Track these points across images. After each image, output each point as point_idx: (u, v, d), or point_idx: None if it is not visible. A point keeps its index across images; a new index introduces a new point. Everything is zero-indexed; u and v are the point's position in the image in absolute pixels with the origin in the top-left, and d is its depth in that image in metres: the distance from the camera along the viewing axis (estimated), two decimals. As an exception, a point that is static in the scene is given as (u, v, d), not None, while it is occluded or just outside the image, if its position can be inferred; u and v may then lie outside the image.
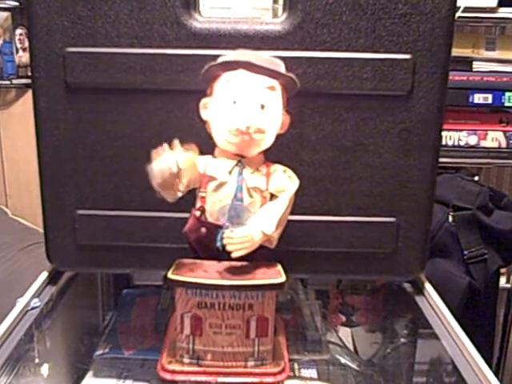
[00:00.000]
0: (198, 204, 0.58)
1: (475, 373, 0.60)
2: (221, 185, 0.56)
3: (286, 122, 0.59)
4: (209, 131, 0.57)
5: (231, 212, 0.55)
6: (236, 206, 0.55)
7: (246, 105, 0.54)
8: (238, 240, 0.54)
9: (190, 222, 0.59)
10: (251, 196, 0.56)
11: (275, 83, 0.56)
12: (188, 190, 0.57)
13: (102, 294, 0.91)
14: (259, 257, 0.57)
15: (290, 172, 0.59)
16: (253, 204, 0.56)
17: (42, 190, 0.71)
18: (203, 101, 0.58)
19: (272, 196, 0.58)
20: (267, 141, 0.56)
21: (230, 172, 0.56)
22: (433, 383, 0.70)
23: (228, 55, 0.56)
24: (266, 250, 0.57)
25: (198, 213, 0.58)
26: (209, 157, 0.58)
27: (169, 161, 0.52)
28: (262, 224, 0.55)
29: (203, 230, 0.57)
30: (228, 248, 0.54)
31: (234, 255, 0.54)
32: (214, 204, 0.57)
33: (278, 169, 0.58)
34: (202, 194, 0.57)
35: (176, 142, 0.54)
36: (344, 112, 0.67)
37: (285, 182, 0.58)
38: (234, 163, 0.56)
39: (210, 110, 0.57)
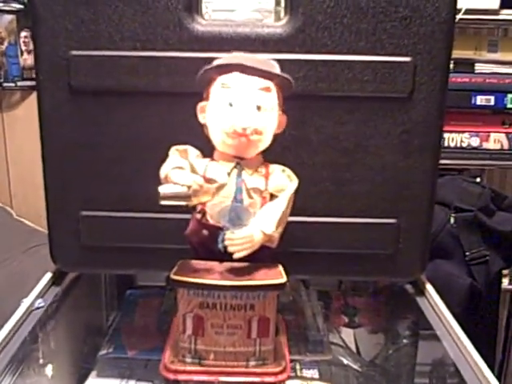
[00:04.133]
0: (199, 207, 0.58)
1: (475, 374, 0.60)
2: (220, 187, 0.56)
3: (282, 122, 0.59)
4: (207, 134, 0.58)
5: (231, 214, 0.56)
6: (236, 208, 0.56)
7: (242, 107, 0.54)
8: (239, 241, 0.54)
9: (192, 224, 0.59)
10: (251, 197, 0.56)
11: (270, 84, 0.56)
12: None
13: (106, 295, 0.91)
14: (261, 257, 0.57)
15: (288, 171, 0.59)
16: (252, 205, 0.57)
17: (46, 191, 0.71)
18: (200, 104, 0.58)
19: (272, 196, 0.58)
20: (265, 142, 0.57)
21: (229, 174, 0.56)
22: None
23: (222, 58, 0.57)
24: (267, 250, 0.58)
25: (198, 215, 0.58)
26: (207, 160, 0.58)
27: (181, 194, 0.53)
28: (262, 224, 0.55)
29: (205, 232, 0.58)
30: (229, 249, 0.54)
31: (235, 256, 0.54)
32: (214, 206, 0.57)
33: (276, 169, 0.59)
34: None
35: (199, 180, 0.54)
36: (345, 114, 0.68)
37: (284, 181, 0.58)
38: (233, 165, 0.57)
39: (207, 113, 0.57)
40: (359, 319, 0.90)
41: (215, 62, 0.56)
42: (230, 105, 0.54)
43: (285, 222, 0.58)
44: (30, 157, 1.68)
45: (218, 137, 0.56)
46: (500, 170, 1.48)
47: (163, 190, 0.53)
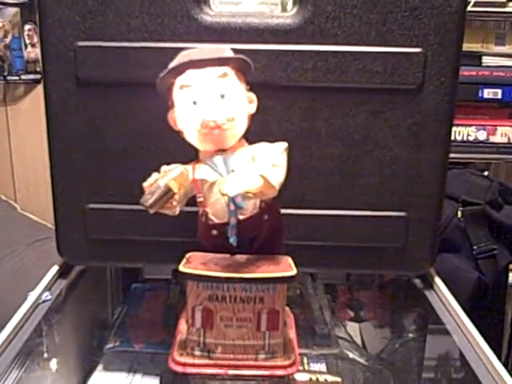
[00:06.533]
0: (201, 210, 0.58)
1: (487, 368, 0.60)
2: (212, 184, 0.56)
3: (253, 101, 0.58)
4: (185, 139, 0.57)
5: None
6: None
7: (205, 101, 0.53)
8: (232, 179, 0.52)
9: (200, 228, 0.59)
10: None
11: (226, 69, 0.55)
12: (188, 197, 0.58)
13: (112, 288, 0.91)
14: (272, 250, 0.57)
15: (274, 143, 0.57)
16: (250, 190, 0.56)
17: (52, 184, 0.71)
18: (169, 114, 0.57)
19: None
20: (240, 126, 0.56)
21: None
22: (443, 378, 0.70)
23: (173, 61, 0.56)
24: (278, 240, 0.58)
25: (203, 218, 0.58)
26: (192, 163, 0.58)
27: (161, 190, 0.53)
28: (258, 169, 0.53)
29: (214, 232, 0.57)
30: (223, 190, 0.51)
31: (231, 194, 0.51)
32: (213, 204, 0.57)
33: (261, 146, 0.57)
34: (199, 200, 0.57)
35: (163, 167, 0.54)
36: (354, 106, 0.67)
37: (272, 150, 0.56)
38: None
39: (177, 119, 0.57)
40: (365, 313, 0.90)
41: (168, 67, 0.55)
42: (194, 103, 0.54)
43: (283, 175, 0.55)
44: (34, 150, 1.69)
45: (194, 137, 0.55)
46: (506, 164, 1.47)
47: (143, 200, 0.54)
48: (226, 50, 0.57)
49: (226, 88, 0.54)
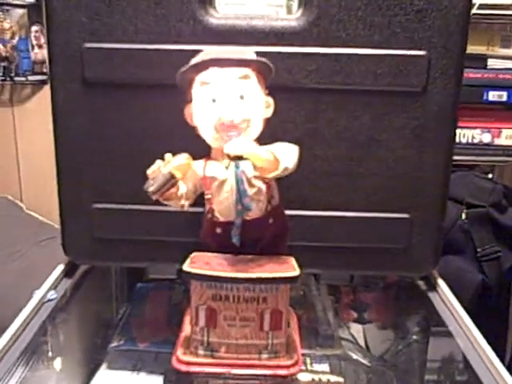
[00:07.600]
0: (207, 207, 0.58)
1: (489, 370, 0.60)
2: (222, 183, 0.56)
3: (270, 105, 0.58)
4: (200, 135, 0.58)
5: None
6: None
7: (225, 100, 0.54)
8: (237, 140, 0.52)
9: (205, 226, 0.60)
10: (253, 186, 0.56)
11: (248, 71, 0.55)
12: (197, 194, 0.59)
13: (116, 288, 0.92)
14: (275, 250, 0.57)
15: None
16: (258, 193, 0.56)
17: (58, 183, 0.71)
18: (186, 108, 0.58)
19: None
20: (255, 128, 0.56)
21: (227, 167, 0.56)
22: (445, 381, 0.70)
23: (196, 58, 0.56)
24: (281, 241, 0.58)
25: (209, 216, 0.58)
26: (203, 159, 0.58)
27: (163, 177, 0.53)
28: (270, 147, 0.54)
29: (218, 230, 0.58)
30: (226, 148, 0.52)
31: (235, 152, 0.51)
32: (220, 203, 0.57)
33: (271, 148, 0.56)
34: (207, 197, 0.58)
35: (167, 155, 0.55)
36: (358, 108, 0.67)
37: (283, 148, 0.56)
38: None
39: (194, 115, 0.57)
40: (369, 315, 0.90)
41: (191, 62, 0.56)
42: (214, 101, 0.54)
43: (292, 161, 0.54)
44: (41, 151, 1.69)
45: (209, 134, 0.56)
46: (511, 167, 1.47)
47: (146, 186, 0.54)
48: (249, 51, 0.58)
49: (246, 89, 0.55)
